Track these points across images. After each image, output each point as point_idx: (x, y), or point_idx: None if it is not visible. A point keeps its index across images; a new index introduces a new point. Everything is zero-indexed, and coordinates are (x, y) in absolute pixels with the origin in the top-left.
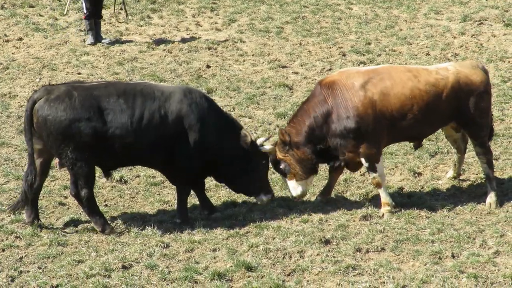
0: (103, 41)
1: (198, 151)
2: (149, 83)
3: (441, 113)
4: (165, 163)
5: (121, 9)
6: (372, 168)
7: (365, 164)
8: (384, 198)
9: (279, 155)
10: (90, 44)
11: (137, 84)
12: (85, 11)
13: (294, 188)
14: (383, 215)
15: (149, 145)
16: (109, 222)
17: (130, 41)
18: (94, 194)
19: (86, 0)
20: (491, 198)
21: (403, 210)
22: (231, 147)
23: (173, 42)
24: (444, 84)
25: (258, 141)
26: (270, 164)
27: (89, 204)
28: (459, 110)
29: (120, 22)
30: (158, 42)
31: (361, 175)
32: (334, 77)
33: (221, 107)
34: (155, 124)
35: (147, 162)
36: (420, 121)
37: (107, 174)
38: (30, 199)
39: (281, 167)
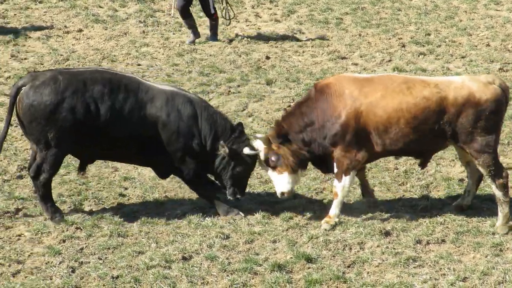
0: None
1: (185, 157)
2: (135, 78)
3: (434, 129)
4: (151, 164)
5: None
6: (338, 176)
7: (334, 169)
8: (333, 210)
9: (273, 146)
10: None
11: (123, 77)
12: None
13: (285, 182)
14: (321, 225)
15: (127, 143)
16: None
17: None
18: (154, 185)
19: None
20: (499, 221)
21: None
22: (214, 149)
23: (233, 33)
24: (438, 98)
25: (244, 151)
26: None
27: (44, 190)
28: (454, 127)
29: (227, 19)
30: (217, 34)
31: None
32: (329, 81)
33: (281, 99)
34: (133, 122)
35: (129, 160)
36: (409, 136)
37: (83, 168)
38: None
39: (272, 158)
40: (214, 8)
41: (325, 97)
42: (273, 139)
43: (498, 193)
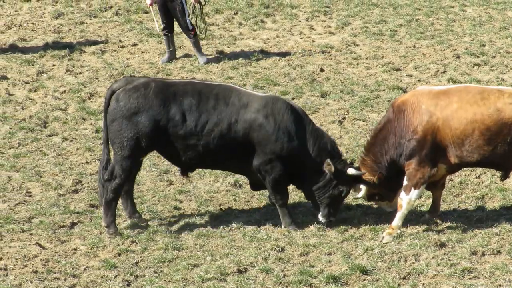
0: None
1: (277, 161)
2: (231, 88)
3: (506, 140)
4: (242, 170)
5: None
6: (407, 189)
7: (404, 182)
8: (396, 222)
9: (370, 190)
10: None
11: (217, 86)
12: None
13: (389, 207)
14: (383, 237)
15: (214, 151)
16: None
17: (244, 46)
18: (209, 198)
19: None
20: None
21: None
22: (314, 164)
23: (287, 46)
24: (511, 109)
25: (349, 171)
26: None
27: (113, 195)
28: None
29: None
30: (271, 47)
31: (476, 177)
32: (405, 97)
33: (336, 111)
34: (221, 130)
35: (218, 166)
36: (484, 147)
37: (184, 173)
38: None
39: (376, 198)
40: (192, 25)
41: (402, 115)
42: (367, 183)
43: None
